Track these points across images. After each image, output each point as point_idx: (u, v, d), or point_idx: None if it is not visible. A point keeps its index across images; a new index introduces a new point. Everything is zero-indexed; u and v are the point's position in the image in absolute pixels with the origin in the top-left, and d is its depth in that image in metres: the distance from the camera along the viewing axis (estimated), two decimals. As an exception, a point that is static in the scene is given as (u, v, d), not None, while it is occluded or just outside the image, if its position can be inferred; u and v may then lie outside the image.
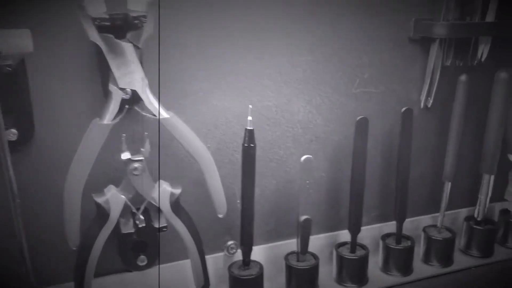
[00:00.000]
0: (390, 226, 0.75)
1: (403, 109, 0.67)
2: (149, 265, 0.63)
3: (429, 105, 0.74)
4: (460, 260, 0.77)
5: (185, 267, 0.64)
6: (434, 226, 0.77)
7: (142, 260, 0.63)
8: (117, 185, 0.55)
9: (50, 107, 0.55)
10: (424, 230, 0.77)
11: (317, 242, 0.73)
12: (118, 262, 0.62)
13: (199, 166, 0.57)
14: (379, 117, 0.72)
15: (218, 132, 0.64)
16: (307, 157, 0.64)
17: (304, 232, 0.67)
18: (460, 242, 0.80)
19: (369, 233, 0.76)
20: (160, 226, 0.55)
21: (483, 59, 0.73)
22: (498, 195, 0.81)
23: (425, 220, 0.80)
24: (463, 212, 0.82)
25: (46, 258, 0.59)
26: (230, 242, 0.69)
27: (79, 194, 0.53)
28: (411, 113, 0.68)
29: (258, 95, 0.65)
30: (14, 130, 0.54)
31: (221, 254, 0.69)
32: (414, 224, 0.79)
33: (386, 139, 0.73)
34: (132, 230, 0.56)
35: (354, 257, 0.70)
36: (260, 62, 0.63)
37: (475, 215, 0.78)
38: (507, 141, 0.75)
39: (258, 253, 0.70)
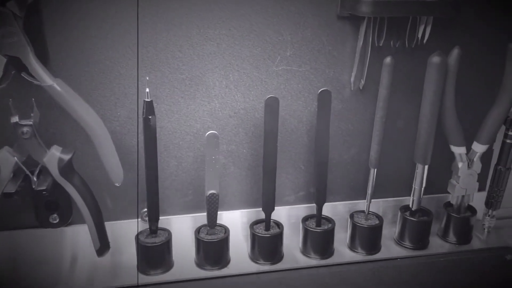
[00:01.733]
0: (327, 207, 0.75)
1: (320, 90, 0.65)
2: (60, 223, 0.67)
3: (361, 87, 0.70)
4: (390, 250, 0.75)
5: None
6: (363, 211, 0.75)
7: (54, 219, 0.66)
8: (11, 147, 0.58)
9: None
10: (351, 215, 0.75)
11: (237, 217, 0.74)
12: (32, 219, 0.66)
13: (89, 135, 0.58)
14: (304, 97, 0.70)
15: (128, 102, 0.65)
16: (212, 133, 0.64)
17: (211, 206, 0.67)
18: (395, 232, 0.77)
19: (295, 212, 0.76)
20: (39, 188, 0.57)
21: (424, 41, 0.68)
22: (444, 187, 0.77)
23: (361, 204, 0.77)
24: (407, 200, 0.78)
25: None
26: (144, 210, 0.70)
27: (-27, 152, 0.57)
28: (329, 94, 0.65)
29: (169, 67, 0.65)
30: None
31: (134, 220, 0.71)
32: (347, 207, 0.77)
33: (313, 119, 0.71)
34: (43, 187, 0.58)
35: (268, 235, 0.70)
36: (168, 33, 0.63)
37: (410, 205, 0.75)
38: (446, 132, 0.71)
39: (174, 222, 0.71)
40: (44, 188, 0.57)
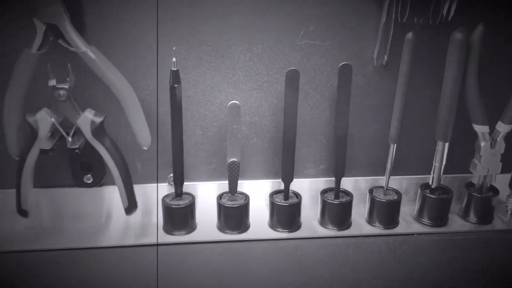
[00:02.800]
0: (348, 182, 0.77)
1: (341, 64, 0.66)
2: (94, 183, 0.72)
3: (384, 63, 0.71)
4: (408, 226, 0.76)
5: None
6: (382, 187, 0.76)
7: (88, 179, 0.72)
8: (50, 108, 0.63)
9: (4, 37, 0.64)
10: (370, 190, 0.76)
11: (258, 186, 0.77)
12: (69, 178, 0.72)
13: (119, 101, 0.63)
14: (326, 71, 0.71)
15: (160, 70, 0.69)
16: (233, 103, 0.67)
17: (232, 173, 0.71)
18: (415, 209, 0.78)
19: (314, 185, 0.78)
20: (72, 147, 0.62)
21: (449, 18, 0.68)
22: (467, 167, 0.77)
23: (382, 181, 0.78)
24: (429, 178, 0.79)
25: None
26: (171, 175, 0.75)
27: (16, 112, 0.63)
28: (349, 68, 0.67)
29: (196, 39, 0.68)
30: (-29, 54, 0.64)
31: (164, 184, 0.76)
32: (367, 183, 0.79)
33: (335, 94, 0.72)
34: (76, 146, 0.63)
35: (286, 204, 0.73)
36: (195, 6, 0.66)
37: (430, 183, 0.75)
38: (469, 110, 0.71)
39: (198, 187, 0.75)
40: (77, 146, 0.62)
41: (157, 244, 0.69)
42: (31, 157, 0.64)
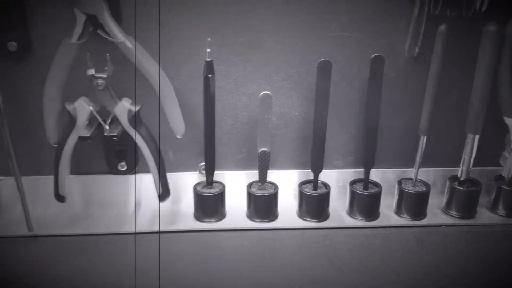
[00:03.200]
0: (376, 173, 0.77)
1: (373, 55, 0.67)
2: (128, 171, 0.74)
3: (415, 55, 0.71)
4: (436, 218, 0.76)
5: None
6: (411, 179, 0.77)
7: (122, 166, 0.74)
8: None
9: (45, 27, 0.66)
10: (399, 181, 0.77)
11: (286, 176, 0.78)
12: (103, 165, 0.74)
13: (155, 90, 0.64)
14: (357, 62, 0.72)
15: (191, 62, 0.70)
16: (265, 93, 0.68)
17: (262, 163, 0.72)
18: (443, 201, 0.78)
19: (343, 176, 0.78)
20: (110, 134, 0.64)
21: (482, 10, 0.68)
22: (497, 160, 0.77)
23: (410, 173, 0.79)
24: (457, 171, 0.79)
25: (34, 154, 0.72)
26: (202, 164, 0.76)
27: (55, 100, 0.65)
28: (381, 60, 0.67)
29: (230, 30, 0.69)
30: (14, 42, 0.66)
31: (195, 173, 0.77)
32: (395, 174, 0.79)
33: (365, 86, 0.73)
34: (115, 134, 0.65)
35: (315, 194, 0.74)
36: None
37: (459, 175, 0.76)
38: (500, 103, 0.71)
39: (227, 176, 0.77)
40: (115, 134, 0.64)
41: (159, 232, 0.71)
42: (69, 144, 0.65)
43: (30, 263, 0.65)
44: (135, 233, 0.70)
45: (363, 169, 0.75)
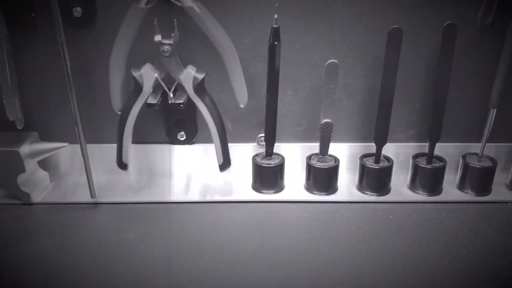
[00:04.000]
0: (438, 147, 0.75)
1: (446, 23, 0.64)
2: (187, 140, 0.74)
3: (488, 24, 0.68)
4: (501, 194, 0.74)
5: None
6: (476, 154, 0.74)
7: (182, 136, 0.74)
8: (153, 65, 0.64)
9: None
10: (463, 156, 0.74)
11: (346, 149, 0.76)
12: (163, 135, 0.74)
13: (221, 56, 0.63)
14: (427, 31, 0.69)
15: (254, 29, 0.69)
16: (332, 62, 0.66)
17: (324, 134, 0.70)
18: (507, 177, 0.76)
19: (404, 150, 0.77)
20: (177, 101, 0.63)
21: None
22: None
23: (473, 148, 0.76)
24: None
25: (99, 121, 0.72)
26: (260, 135, 0.75)
27: (121, 67, 0.64)
28: (454, 29, 0.64)
29: (295, -3, 0.67)
30: (79, 8, 0.66)
31: (253, 144, 0.76)
32: (458, 149, 0.77)
33: (434, 55, 0.70)
34: (181, 101, 0.64)
35: (376, 167, 0.72)
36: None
37: (528, 150, 0.73)
38: None
39: (285, 149, 0.76)
40: (182, 101, 0.64)
41: (170, 202, 0.71)
42: (134, 112, 0.65)
43: (92, 230, 0.65)
44: (170, 202, 0.70)
45: (425, 143, 0.73)
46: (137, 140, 0.73)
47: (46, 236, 0.64)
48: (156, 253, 0.60)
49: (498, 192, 0.74)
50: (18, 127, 0.69)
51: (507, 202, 0.72)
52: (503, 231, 0.66)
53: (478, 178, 0.73)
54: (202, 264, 0.58)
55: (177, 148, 0.76)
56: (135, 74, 0.63)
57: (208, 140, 0.73)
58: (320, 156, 0.72)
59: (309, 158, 0.74)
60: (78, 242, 0.63)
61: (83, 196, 0.71)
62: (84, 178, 0.68)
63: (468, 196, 0.73)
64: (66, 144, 0.70)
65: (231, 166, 0.70)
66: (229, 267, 0.58)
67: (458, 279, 0.56)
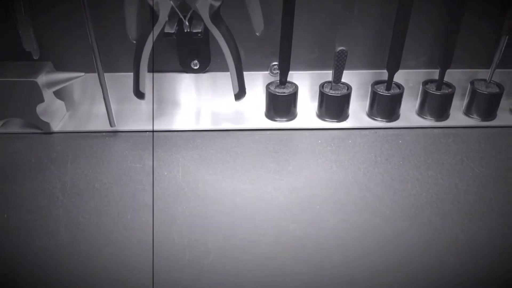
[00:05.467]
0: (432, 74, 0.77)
1: None
2: (200, 69, 0.75)
3: None
4: (506, 119, 0.77)
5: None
6: (484, 80, 0.76)
7: (195, 64, 0.74)
8: (167, -8, 0.63)
9: None
10: (471, 82, 0.76)
11: (357, 77, 0.78)
12: (176, 64, 0.74)
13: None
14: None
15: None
16: (349, -12, 0.65)
17: (338, 62, 0.71)
18: (512, 102, 0.78)
19: (413, 76, 0.78)
20: (195, 31, 0.63)
21: None
22: None
23: (481, 74, 0.78)
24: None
25: (111, 50, 0.72)
26: (273, 63, 0.76)
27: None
28: (473, -48, 0.63)
29: None
30: None
31: (266, 72, 0.77)
32: (466, 75, 0.78)
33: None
34: (199, 30, 0.64)
35: (387, 94, 0.74)
36: None
37: (535, 76, 0.74)
38: None
39: (298, 77, 0.77)
40: (199, 30, 0.63)
41: (186, 130, 0.73)
42: (150, 41, 0.65)
43: (114, 157, 0.67)
44: (186, 131, 0.72)
45: (435, 70, 0.74)
46: (150, 69, 0.74)
47: (71, 163, 0.66)
48: (180, 178, 0.63)
49: (502, 117, 0.77)
50: (34, 57, 0.69)
51: (511, 127, 0.75)
52: (507, 154, 0.69)
53: (484, 104, 0.75)
54: (222, 188, 0.61)
55: (190, 77, 0.76)
56: (150, 2, 0.63)
57: (221, 69, 0.74)
58: (333, 84, 0.74)
59: (322, 86, 0.75)
60: (102, 170, 0.65)
61: (102, 124, 0.73)
62: (99, 107, 0.70)
63: (474, 121, 0.76)
64: (83, 74, 0.71)
65: (246, 95, 0.72)
66: (248, 192, 0.61)
67: (464, 199, 0.60)
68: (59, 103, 0.75)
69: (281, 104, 0.74)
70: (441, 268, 0.50)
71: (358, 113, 0.77)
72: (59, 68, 0.73)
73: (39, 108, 0.70)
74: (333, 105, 0.74)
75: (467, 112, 0.77)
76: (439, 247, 0.53)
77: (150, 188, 0.62)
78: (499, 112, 0.77)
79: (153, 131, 0.72)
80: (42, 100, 0.69)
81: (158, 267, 0.50)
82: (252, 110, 0.78)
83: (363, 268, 0.50)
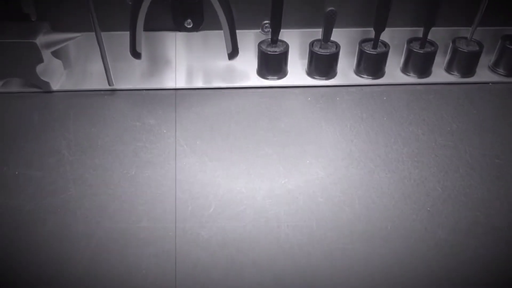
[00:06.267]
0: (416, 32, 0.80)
1: None
2: (193, 28, 0.77)
3: None
4: (483, 74, 0.81)
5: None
6: (465, 38, 0.80)
7: (189, 23, 0.76)
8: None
9: None
10: (453, 40, 0.80)
11: (346, 34, 0.81)
12: (170, 23, 0.76)
13: None
14: None
15: None
16: (339, -50, 0.67)
17: (328, 22, 0.74)
18: (491, 59, 0.82)
19: (398, 34, 0.81)
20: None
21: None
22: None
23: (464, 32, 0.81)
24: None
25: (110, 11, 0.74)
26: (265, 22, 0.78)
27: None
28: None
29: None
30: None
31: (257, 31, 0.80)
32: (449, 33, 0.82)
33: None
34: None
35: (374, 52, 0.77)
36: None
37: (513, 34, 0.78)
38: None
39: (288, 35, 0.79)
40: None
41: (182, 89, 0.76)
42: (146, 1, 0.67)
43: (115, 115, 0.71)
44: (183, 89, 0.76)
45: (419, 28, 0.78)
46: (144, 27, 0.76)
47: (73, 122, 0.69)
48: (178, 136, 0.67)
49: (481, 74, 0.81)
50: (32, 19, 0.70)
51: (488, 83, 0.80)
52: (483, 109, 0.74)
53: (464, 62, 0.79)
54: (219, 146, 0.66)
55: (183, 36, 0.79)
56: (146, -36, 0.64)
57: (214, 28, 0.76)
58: (323, 42, 0.77)
59: (312, 44, 0.78)
60: (104, 128, 0.69)
61: (100, 83, 0.75)
62: (96, 66, 0.72)
63: (454, 78, 0.80)
64: (80, 34, 0.72)
65: (239, 54, 0.74)
66: (243, 149, 0.65)
67: (442, 153, 0.65)
68: (57, 62, 0.77)
69: (273, 62, 0.77)
70: (418, 216, 0.56)
71: (346, 70, 0.81)
72: (56, 28, 0.74)
73: (39, 68, 0.72)
74: (322, 63, 0.78)
75: (448, 69, 0.81)
76: (418, 197, 0.58)
77: (151, 145, 0.66)
78: (478, 69, 0.81)
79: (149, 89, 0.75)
80: (41, 61, 0.71)
81: (162, 217, 0.55)
82: (244, 68, 0.81)
83: (349, 216, 0.56)
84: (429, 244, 0.53)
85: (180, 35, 0.78)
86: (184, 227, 0.54)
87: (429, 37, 0.79)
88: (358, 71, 0.80)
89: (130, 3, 0.69)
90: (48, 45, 0.72)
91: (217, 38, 0.78)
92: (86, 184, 0.60)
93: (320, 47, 0.77)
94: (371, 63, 0.78)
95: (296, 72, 0.80)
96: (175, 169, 0.62)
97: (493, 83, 0.80)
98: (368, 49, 0.77)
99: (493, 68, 0.82)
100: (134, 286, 0.49)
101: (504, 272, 0.51)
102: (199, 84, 0.77)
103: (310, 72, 0.79)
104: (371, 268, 0.51)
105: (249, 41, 0.80)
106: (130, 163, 0.63)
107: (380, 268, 0.50)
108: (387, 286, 0.49)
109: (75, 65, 0.80)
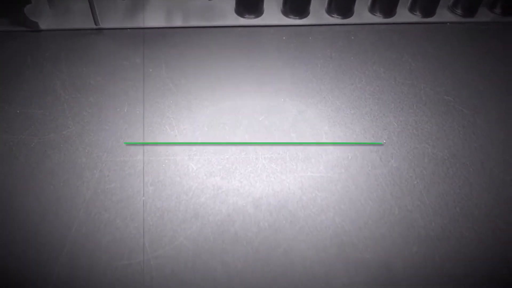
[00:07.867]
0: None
1: None
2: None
3: None
4: (443, 14, 0.88)
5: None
6: (428, -20, 0.86)
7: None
8: None
9: None
10: (416, -20, 0.86)
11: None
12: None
13: None
14: None
15: None
16: None
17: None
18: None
19: (368, -25, 0.87)
20: None
21: None
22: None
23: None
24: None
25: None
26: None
27: None
28: None
29: None
30: None
31: (235, -29, 0.84)
32: (414, -25, 0.88)
33: None
34: None
35: (344, -6, 0.83)
36: None
37: (472, -23, 0.85)
38: None
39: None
40: None
41: (163, 28, 0.81)
42: None
43: (104, 55, 0.76)
44: (164, 28, 0.81)
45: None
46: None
47: (65, 61, 0.74)
48: (164, 74, 0.73)
49: (441, 14, 0.88)
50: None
51: (446, 23, 0.88)
52: (439, 48, 0.82)
53: (426, 2, 0.86)
54: (203, 84, 0.73)
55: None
56: None
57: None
58: (296, -17, 0.82)
59: (285, -16, 0.83)
60: (94, 67, 0.74)
61: (86, 22, 0.79)
62: (81, 5, 0.76)
63: (416, 17, 0.87)
64: (65, -25, 0.75)
65: (218, -6, 0.79)
66: (225, 86, 0.73)
67: (400, 90, 0.74)
68: (42, 2, 0.80)
69: (250, 1, 0.82)
70: (374, 146, 0.66)
71: (318, 10, 0.87)
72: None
73: (27, 9, 0.75)
74: (296, 2, 0.83)
75: (411, 9, 0.88)
76: (376, 131, 0.68)
77: (140, 84, 0.72)
78: (438, 9, 0.88)
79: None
80: (29, 2, 0.74)
81: (154, 149, 0.63)
82: (222, 6, 0.85)
83: (317, 149, 0.65)
84: (382, 171, 0.63)
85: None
86: (175, 159, 0.63)
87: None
88: (330, 11, 0.86)
89: None
90: (34, -15, 0.74)
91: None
92: (84, 121, 0.67)
93: (294, -12, 0.82)
94: (341, 2, 0.84)
95: (272, 13, 0.86)
96: (164, 107, 0.69)
97: (451, 23, 0.88)
98: (339, -10, 0.83)
99: (452, 8, 0.89)
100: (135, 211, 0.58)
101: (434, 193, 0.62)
102: (179, 23, 0.82)
103: (285, 11, 0.85)
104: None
105: (227, -20, 0.84)
106: (122, 101, 0.70)
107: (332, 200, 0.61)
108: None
109: (60, 4, 0.83)
